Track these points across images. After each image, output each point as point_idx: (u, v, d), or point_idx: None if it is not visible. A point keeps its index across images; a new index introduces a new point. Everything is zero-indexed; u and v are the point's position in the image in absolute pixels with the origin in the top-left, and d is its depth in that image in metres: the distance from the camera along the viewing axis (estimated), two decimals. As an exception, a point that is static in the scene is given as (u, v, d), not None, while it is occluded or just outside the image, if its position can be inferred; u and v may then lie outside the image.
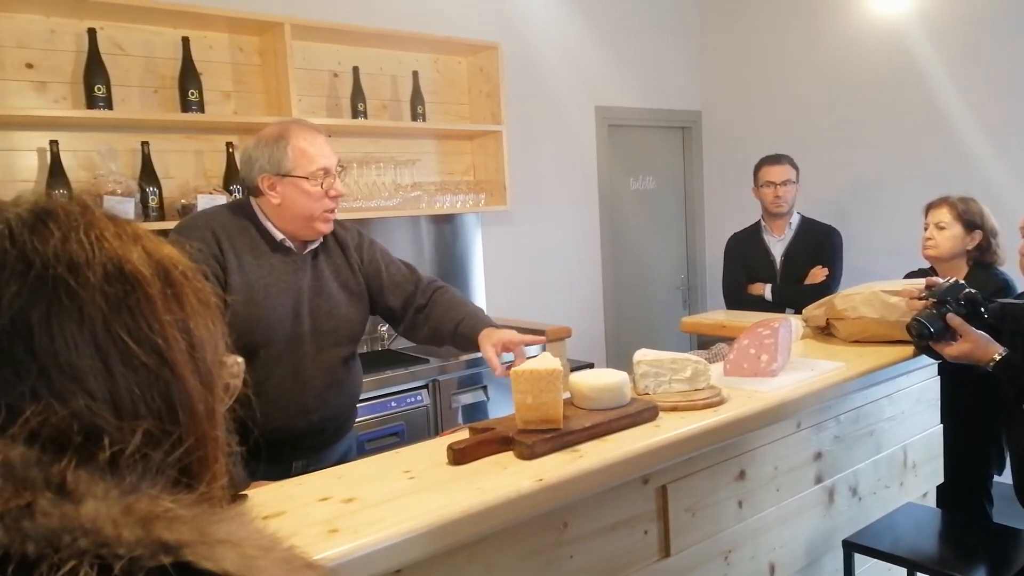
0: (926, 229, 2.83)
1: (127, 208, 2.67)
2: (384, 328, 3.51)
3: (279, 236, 1.85)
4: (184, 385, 0.47)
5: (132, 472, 0.42)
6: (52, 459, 0.40)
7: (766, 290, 3.50)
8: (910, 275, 2.89)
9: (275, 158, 1.81)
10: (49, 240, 0.44)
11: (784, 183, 3.50)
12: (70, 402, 0.42)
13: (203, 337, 0.49)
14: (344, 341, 1.94)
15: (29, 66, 2.71)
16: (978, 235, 2.74)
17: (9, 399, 0.40)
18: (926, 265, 2.92)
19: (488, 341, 1.87)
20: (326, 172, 1.83)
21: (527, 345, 1.90)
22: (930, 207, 2.85)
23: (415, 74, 3.57)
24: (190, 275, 0.51)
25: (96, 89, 2.71)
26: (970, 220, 2.74)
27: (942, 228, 2.76)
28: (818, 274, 3.43)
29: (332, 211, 1.86)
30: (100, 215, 0.48)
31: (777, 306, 3.41)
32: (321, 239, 1.91)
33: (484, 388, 3.24)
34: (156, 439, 0.44)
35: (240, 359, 0.55)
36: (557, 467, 1.34)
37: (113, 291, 0.45)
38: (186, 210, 2.86)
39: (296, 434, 1.84)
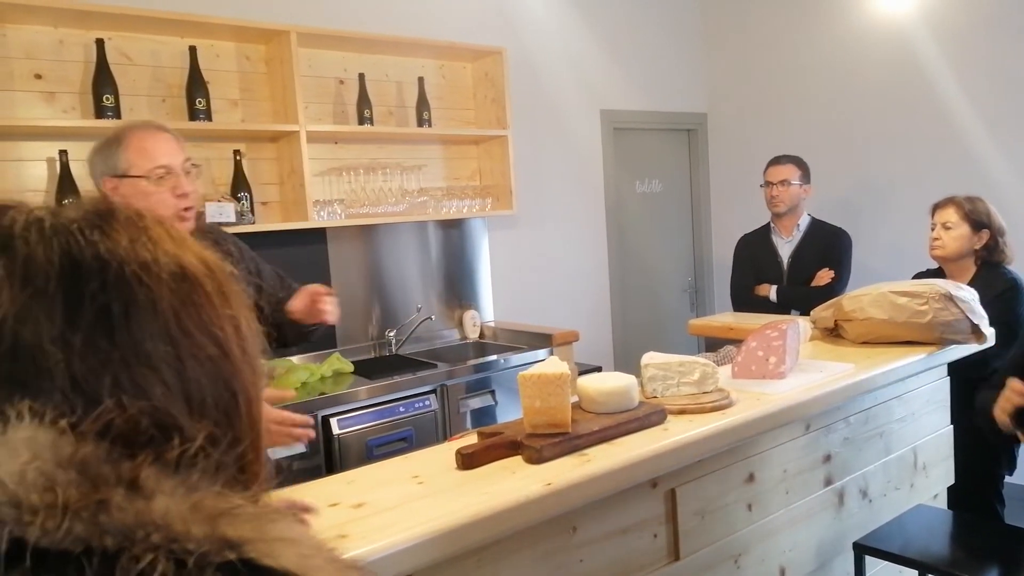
0: (933, 229, 2.82)
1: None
2: (391, 333, 3.52)
3: None
4: (242, 378, 0.50)
5: (195, 470, 0.43)
6: (122, 456, 0.41)
7: (771, 291, 3.49)
8: (919, 275, 2.88)
9: (112, 159, 1.79)
10: (119, 241, 0.46)
11: (781, 183, 3.49)
12: (148, 391, 0.44)
13: (249, 335, 0.52)
14: None
15: (38, 76, 2.74)
16: (985, 234, 2.73)
17: (91, 392, 0.42)
18: (934, 265, 2.91)
19: (301, 294, 2.01)
20: (168, 170, 1.78)
21: (322, 300, 2.00)
22: (936, 207, 2.84)
23: (420, 80, 3.58)
24: (233, 276, 0.53)
25: (105, 99, 2.73)
26: (977, 220, 2.73)
27: (949, 228, 2.75)
28: (824, 276, 3.42)
29: (187, 210, 1.82)
30: (154, 220, 0.51)
31: (781, 307, 3.40)
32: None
33: (492, 392, 3.24)
34: (218, 436, 0.46)
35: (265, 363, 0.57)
36: (566, 471, 1.34)
37: (178, 287, 0.47)
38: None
39: None
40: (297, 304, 1.99)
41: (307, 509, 1.55)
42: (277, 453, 2.36)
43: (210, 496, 0.42)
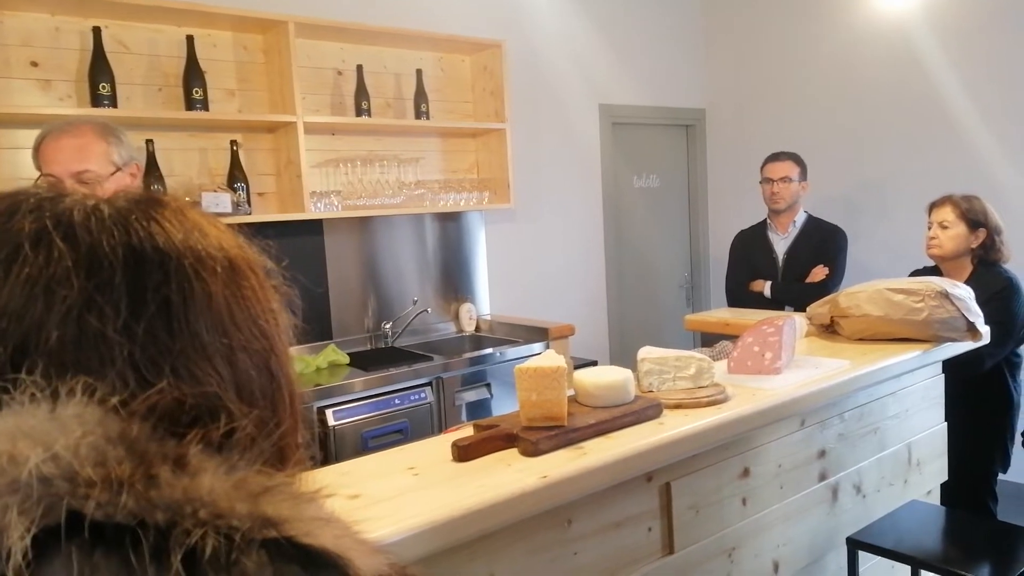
0: (929, 228, 2.82)
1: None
2: (387, 326, 3.52)
3: None
4: (285, 369, 0.51)
5: (238, 452, 0.44)
6: (167, 435, 0.42)
7: (766, 287, 3.50)
8: (915, 273, 2.89)
9: (33, 156, 1.83)
10: (174, 233, 0.48)
11: (782, 180, 3.49)
12: (203, 381, 0.45)
13: (286, 327, 0.53)
14: None
15: (34, 64, 2.72)
16: (982, 233, 2.73)
17: (145, 377, 0.43)
18: (932, 263, 2.92)
19: None
20: (56, 180, 1.75)
21: None
22: (933, 206, 2.84)
23: (419, 72, 3.57)
24: (268, 271, 0.54)
25: (101, 87, 2.72)
26: (974, 218, 2.73)
27: (945, 227, 2.75)
28: (818, 273, 3.42)
29: None
30: (196, 209, 0.52)
31: (776, 303, 3.41)
32: None
33: (488, 386, 3.24)
34: (262, 421, 0.47)
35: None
36: (561, 464, 1.34)
37: (229, 280, 0.48)
38: (190, 208, 2.87)
39: None
40: None
41: None
42: None
43: (252, 474, 0.42)
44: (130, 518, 0.37)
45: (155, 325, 0.44)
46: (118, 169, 1.82)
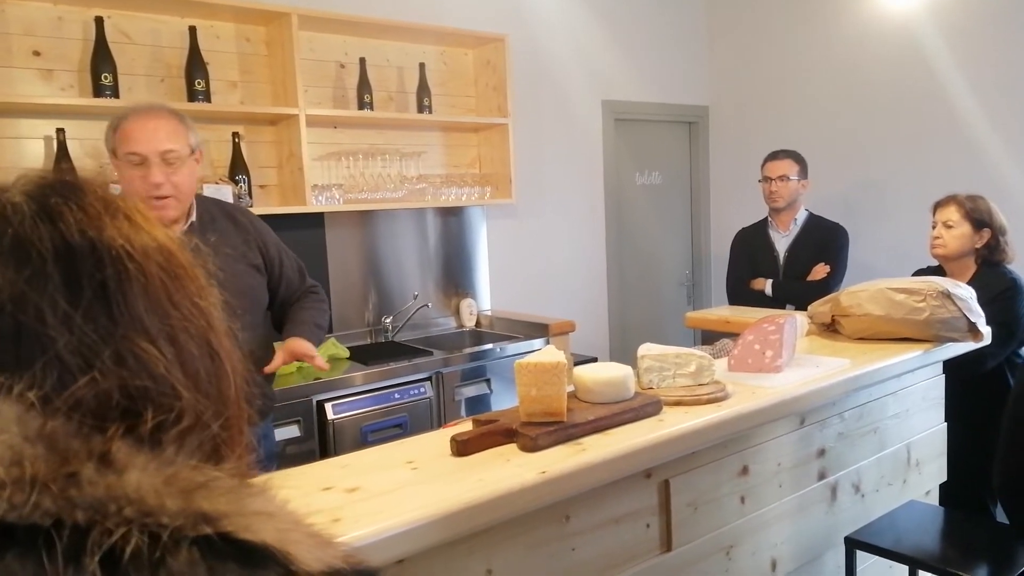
0: (934, 228, 2.81)
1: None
2: (388, 320, 3.51)
3: None
4: (227, 352, 0.50)
5: (172, 444, 0.43)
6: (93, 430, 0.41)
7: (767, 285, 3.49)
8: (919, 273, 2.88)
9: (107, 138, 1.86)
10: (100, 219, 0.46)
11: (780, 178, 3.48)
12: (150, 365, 0.44)
13: (217, 303, 0.52)
14: (248, 309, 2.00)
15: (36, 54, 2.71)
16: (986, 233, 2.72)
17: (76, 367, 0.42)
18: (935, 263, 2.91)
19: (282, 347, 2.01)
20: (141, 158, 1.80)
21: (311, 360, 2.00)
22: (938, 205, 2.83)
23: (422, 66, 3.56)
24: (193, 251, 0.53)
25: (103, 77, 2.71)
26: (978, 218, 2.72)
27: (950, 227, 2.74)
28: (820, 271, 3.41)
29: (159, 199, 1.82)
30: (112, 193, 0.51)
31: (776, 302, 3.40)
32: (193, 220, 1.94)
33: (488, 381, 3.24)
34: (201, 410, 0.46)
35: None
36: (560, 460, 1.34)
37: (161, 263, 0.48)
38: (192, 199, 2.86)
39: None
40: (276, 361, 1.98)
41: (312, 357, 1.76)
42: (277, 435, 2.36)
43: (185, 469, 0.41)
44: (46, 518, 0.36)
45: (94, 311, 0.43)
46: (191, 152, 1.89)
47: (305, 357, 1.99)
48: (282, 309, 2.15)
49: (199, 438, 0.44)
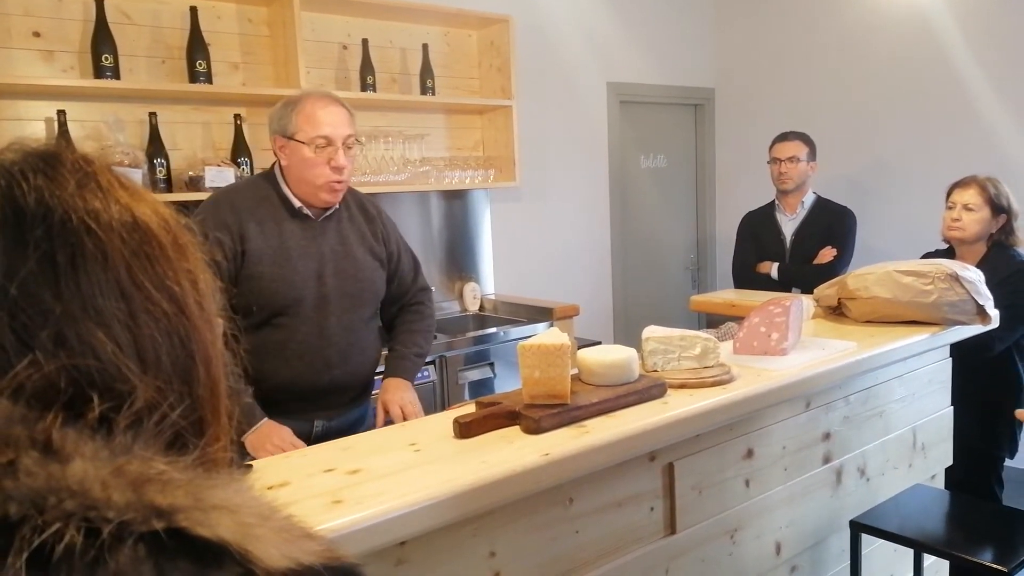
0: (951, 208, 2.76)
1: (134, 179, 2.66)
2: (392, 303, 3.50)
3: (297, 204, 1.93)
4: (200, 336, 0.47)
5: (127, 432, 0.40)
6: (38, 416, 0.38)
7: (773, 269, 3.47)
8: (927, 255, 2.85)
9: (284, 120, 1.89)
10: (65, 187, 0.43)
11: (790, 160, 3.45)
12: (97, 348, 0.41)
13: (207, 291, 0.49)
14: (368, 302, 2.05)
15: (36, 35, 2.69)
16: (1003, 218, 2.69)
17: (15, 348, 0.39)
18: (943, 246, 2.88)
19: (382, 394, 2.01)
20: (328, 141, 1.86)
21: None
22: (956, 186, 2.77)
23: (425, 47, 3.53)
24: (189, 230, 0.51)
25: (104, 59, 2.69)
26: (999, 204, 2.68)
27: (971, 210, 2.69)
28: (826, 254, 3.39)
29: (338, 182, 1.90)
30: (104, 166, 0.48)
31: (783, 285, 3.38)
32: (337, 206, 1.98)
33: (491, 365, 3.23)
34: (171, 396, 0.44)
35: (221, 321, 0.54)
36: (563, 442, 1.33)
37: (131, 238, 0.45)
38: (193, 182, 2.85)
39: (319, 390, 1.95)
40: (379, 409, 1.99)
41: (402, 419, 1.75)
42: None
43: (137, 460, 0.38)
44: None
45: (35, 285, 0.40)
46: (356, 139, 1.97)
47: (396, 419, 1.91)
48: (389, 307, 2.15)
49: (158, 427, 0.41)
